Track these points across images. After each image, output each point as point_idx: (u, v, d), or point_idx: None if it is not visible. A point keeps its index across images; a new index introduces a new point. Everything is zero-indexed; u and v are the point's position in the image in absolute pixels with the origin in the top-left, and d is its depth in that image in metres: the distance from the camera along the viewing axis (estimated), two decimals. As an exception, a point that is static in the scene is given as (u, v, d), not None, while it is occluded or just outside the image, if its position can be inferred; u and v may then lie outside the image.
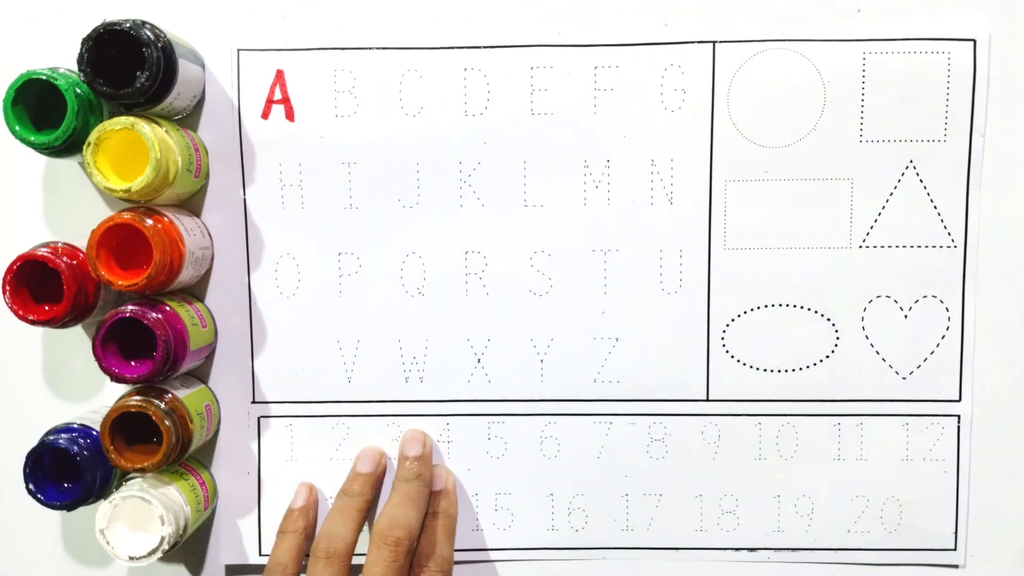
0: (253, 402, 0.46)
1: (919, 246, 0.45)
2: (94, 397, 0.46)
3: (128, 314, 0.41)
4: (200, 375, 0.46)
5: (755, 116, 0.44)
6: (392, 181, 0.45)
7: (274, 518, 0.46)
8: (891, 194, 0.45)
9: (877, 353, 0.46)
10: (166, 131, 0.41)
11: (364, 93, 0.44)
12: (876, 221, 0.45)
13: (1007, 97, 0.44)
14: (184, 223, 0.43)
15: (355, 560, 0.42)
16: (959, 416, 0.46)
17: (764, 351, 0.46)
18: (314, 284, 0.46)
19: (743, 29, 0.44)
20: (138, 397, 0.41)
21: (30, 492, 0.42)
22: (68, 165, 0.45)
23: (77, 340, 0.46)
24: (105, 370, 0.41)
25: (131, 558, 0.42)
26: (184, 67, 0.41)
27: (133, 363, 0.42)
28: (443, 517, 0.44)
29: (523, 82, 0.44)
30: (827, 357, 0.46)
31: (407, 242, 0.45)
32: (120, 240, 0.41)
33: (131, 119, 0.40)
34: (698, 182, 0.45)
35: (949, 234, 0.45)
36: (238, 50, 0.44)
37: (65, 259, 0.41)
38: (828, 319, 0.45)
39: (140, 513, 0.42)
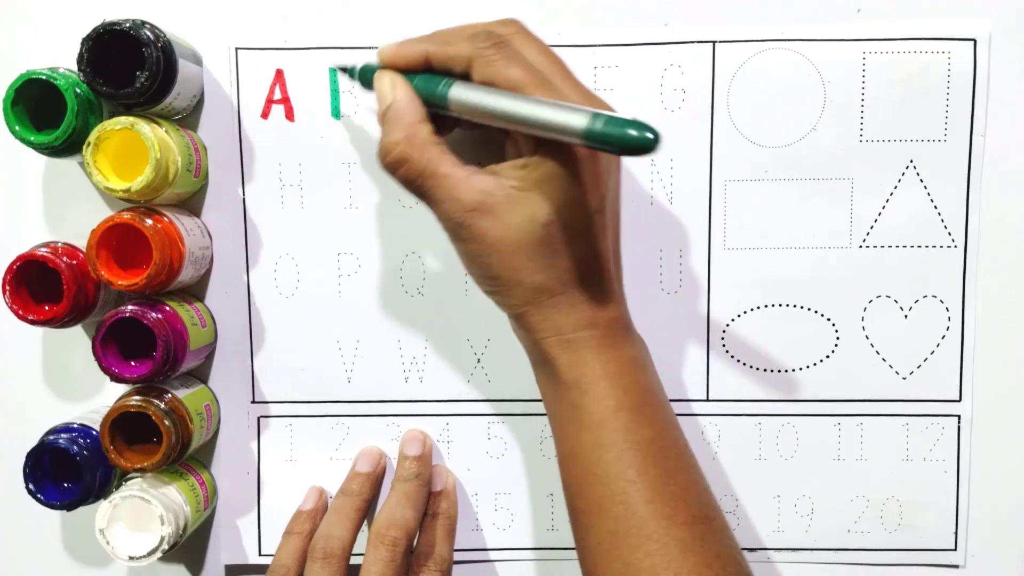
0: (253, 402, 0.46)
1: (919, 246, 0.45)
2: (94, 397, 0.46)
3: (128, 314, 0.41)
4: (200, 375, 0.46)
5: (755, 116, 0.44)
6: (392, 181, 0.45)
7: (274, 518, 0.46)
8: (891, 194, 0.45)
9: (877, 353, 0.46)
10: (166, 131, 0.41)
11: (364, 93, 0.44)
12: (876, 221, 0.45)
13: (1007, 97, 0.44)
14: (184, 223, 0.43)
15: (354, 560, 0.42)
16: (959, 416, 0.46)
17: (764, 351, 0.46)
18: (314, 284, 0.46)
19: (743, 29, 0.44)
20: (138, 397, 0.41)
21: (30, 492, 0.42)
22: (68, 165, 0.45)
23: (77, 340, 0.46)
24: (105, 370, 0.41)
25: (131, 558, 0.42)
26: (184, 67, 0.41)
27: (133, 363, 0.42)
28: (443, 517, 0.44)
29: (523, 82, 0.44)
30: (827, 357, 0.46)
31: (407, 242, 0.45)
32: (120, 240, 0.41)
33: (131, 119, 0.40)
34: (698, 182, 0.45)
35: (949, 234, 0.45)
36: (237, 50, 0.44)
37: (65, 259, 0.41)
38: (828, 319, 0.45)
39: (140, 513, 0.42)
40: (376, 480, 0.45)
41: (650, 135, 0.30)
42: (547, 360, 0.37)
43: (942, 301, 0.45)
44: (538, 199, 0.34)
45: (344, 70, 0.42)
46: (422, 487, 0.44)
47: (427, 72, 0.38)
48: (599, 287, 0.36)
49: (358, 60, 0.41)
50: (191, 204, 0.45)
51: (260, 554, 0.47)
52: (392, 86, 0.38)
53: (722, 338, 0.46)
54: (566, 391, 0.37)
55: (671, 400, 0.46)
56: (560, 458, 0.38)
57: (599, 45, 0.44)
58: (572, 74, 0.37)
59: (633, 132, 0.31)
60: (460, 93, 0.36)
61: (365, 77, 0.40)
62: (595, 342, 0.37)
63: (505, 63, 0.35)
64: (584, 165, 0.35)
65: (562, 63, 0.37)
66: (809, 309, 0.45)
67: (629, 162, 0.45)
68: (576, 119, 0.32)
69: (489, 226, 0.35)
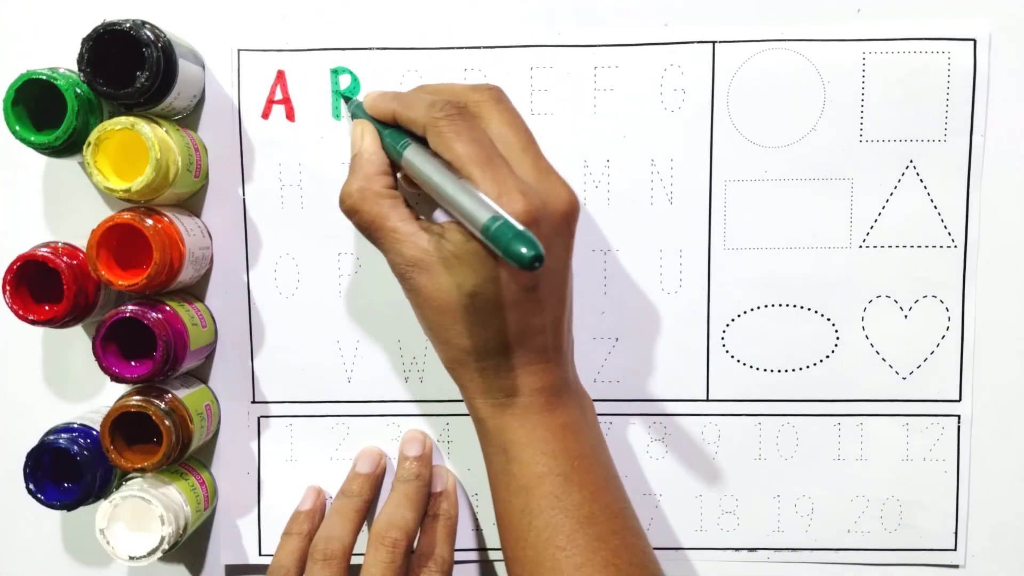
0: (253, 402, 0.46)
1: (919, 246, 0.45)
2: (94, 397, 0.46)
3: (128, 314, 0.41)
4: (200, 375, 0.46)
5: (755, 116, 0.44)
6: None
7: (274, 518, 0.46)
8: (891, 194, 0.45)
9: (877, 353, 0.46)
10: (166, 131, 0.41)
11: (365, 93, 0.44)
12: (876, 221, 0.45)
13: (1007, 97, 0.44)
14: (184, 223, 0.43)
15: (355, 560, 0.42)
16: (959, 416, 0.46)
17: (764, 351, 0.46)
18: (314, 284, 0.46)
19: (743, 29, 0.44)
20: (138, 397, 0.41)
21: (30, 492, 0.42)
22: (68, 165, 0.45)
23: (77, 340, 0.46)
24: (105, 370, 0.41)
25: (131, 558, 0.42)
26: (184, 67, 0.41)
27: (133, 363, 0.42)
28: (443, 518, 0.44)
29: (523, 82, 0.44)
30: (827, 357, 0.46)
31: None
32: (120, 240, 0.41)
33: (131, 119, 0.40)
34: (698, 182, 0.45)
35: (949, 234, 0.45)
36: (238, 50, 0.44)
37: (65, 259, 0.41)
38: (828, 319, 0.45)
39: (140, 513, 0.42)
40: (376, 481, 0.45)
41: (528, 253, 0.30)
42: (478, 420, 0.39)
43: (942, 301, 0.45)
44: (466, 269, 0.35)
45: (346, 99, 0.44)
46: (422, 488, 0.44)
47: (397, 128, 0.39)
48: (528, 356, 0.37)
49: (359, 94, 0.43)
50: (191, 204, 0.45)
51: (260, 554, 0.47)
52: (361, 136, 0.40)
53: (722, 338, 0.46)
54: (495, 455, 0.38)
55: (671, 400, 0.46)
56: (496, 520, 0.39)
57: (599, 45, 0.44)
58: (534, 148, 0.37)
59: (517, 247, 0.31)
60: (409, 156, 0.37)
61: (356, 113, 0.42)
62: (520, 409, 0.37)
63: (453, 136, 0.35)
64: None
65: (527, 135, 0.37)
66: (809, 309, 0.46)
67: (629, 161, 0.45)
68: (480, 214, 0.32)
69: (424, 283, 0.36)
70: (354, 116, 0.42)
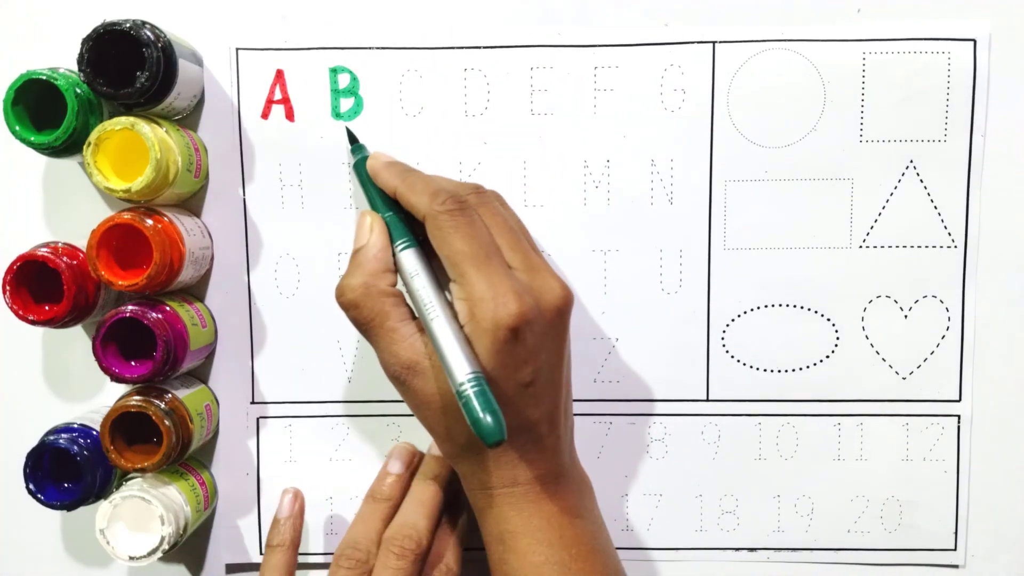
0: (253, 402, 0.46)
1: (919, 246, 0.45)
2: (94, 397, 0.46)
3: (128, 314, 0.41)
4: (200, 375, 0.46)
5: (755, 116, 0.44)
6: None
7: (274, 518, 0.46)
8: (891, 194, 0.45)
9: (877, 353, 0.46)
10: (166, 131, 0.41)
11: (364, 93, 0.44)
12: (876, 221, 0.45)
13: (1007, 97, 0.44)
14: (184, 223, 0.43)
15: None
16: (959, 416, 0.46)
17: (764, 351, 0.46)
18: (314, 284, 0.46)
19: (743, 29, 0.44)
20: (138, 397, 0.41)
21: (30, 492, 0.42)
22: (68, 165, 0.45)
23: (77, 340, 0.46)
24: (105, 370, 0.41)
25: (131, 558, 0.42)
26: (184, 67, 0.41)
27: (133, 363, 0.42)
28: (455, 525, 0.44)
29: (523, 82, 0.44)
30: (827, 357, 0.46)
31: (407, 242, 0.45)
32: (120, 240, 0.41)
33: (131, 119, 0.40)
34: (698, 182, 0.45)
35: (949, 234, 0.45)
36: (237, 50, 0.44)
37: (65, 259, 0.41)
38: (828, 319, 0.45)
39: (140, 513, 0.42)
40: (407, 482, 0.44)
41: (489, 439, 0.33)
42: (478, 510, 0.39)
43: (942, 301, 0.45)
44: None
45: (352, 139, 0.44)
46: (439, 491, 0.43)
47: (396, 206, 0.40)
48: (525, 447, 0.37)
49: (367, 142, 0.44)
50: (191, 204, 0.45)
51: (260, 554, 0.47)
52: (370, 229, 0.39)
53: (722, 338, 0.46)
54: (493, 544, 0.38)
55: (671, 400, 0.46)
56: None
57: (599, 45, 0.44)
58: (528, 243, 0.38)
59: (482, 427, 0.33)
60: (404, 263, 0.38)
61: (358, 167, 0.42)
62: (517, 498, 0.37)
63: (452, 230, 0.36)
64: (508, 347, 0.35)
65: (522, 230, 0.39)
66: (809, 309, 0.46)
67: (629, 161, 0.45)
68: (457, 372, 0.34)
69: (420, 385, 0.37)
70: (356, 167, 0.42)
